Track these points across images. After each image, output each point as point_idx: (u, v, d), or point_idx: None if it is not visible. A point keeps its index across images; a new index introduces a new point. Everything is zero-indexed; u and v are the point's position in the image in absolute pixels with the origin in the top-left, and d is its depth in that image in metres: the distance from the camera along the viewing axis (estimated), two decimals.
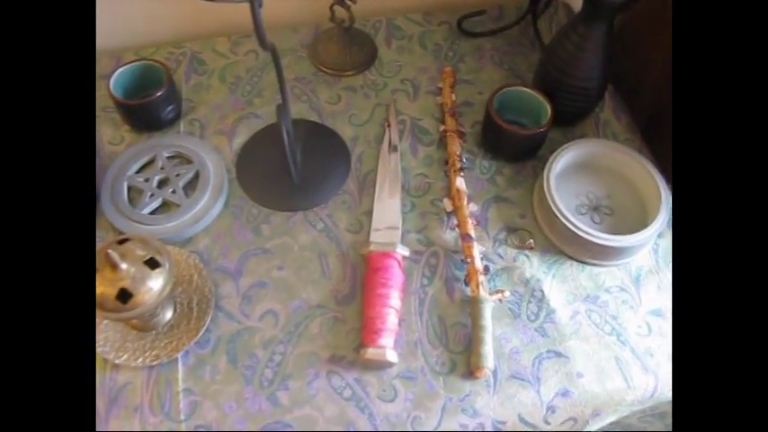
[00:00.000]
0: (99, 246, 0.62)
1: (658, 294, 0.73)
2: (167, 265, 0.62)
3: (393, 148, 0.82)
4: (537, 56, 0.94)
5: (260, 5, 0.54)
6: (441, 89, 0.88)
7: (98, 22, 0.93)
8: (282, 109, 0.69)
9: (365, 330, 0.67)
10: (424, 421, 0.64)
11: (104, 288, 0.59)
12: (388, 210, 0.77)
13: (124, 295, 0.59)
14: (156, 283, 0.60)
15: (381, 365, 0.66)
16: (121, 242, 0.62)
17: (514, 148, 0.81)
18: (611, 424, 0.71)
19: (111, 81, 0.81)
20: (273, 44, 0.62)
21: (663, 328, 0.71)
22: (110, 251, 0.58)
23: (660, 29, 0.83)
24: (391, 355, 0.65)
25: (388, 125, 0.85)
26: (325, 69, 0.92)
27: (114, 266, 0.59)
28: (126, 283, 0.59)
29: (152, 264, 0.61)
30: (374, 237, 0.75)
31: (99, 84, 0.89)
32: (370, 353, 0.65)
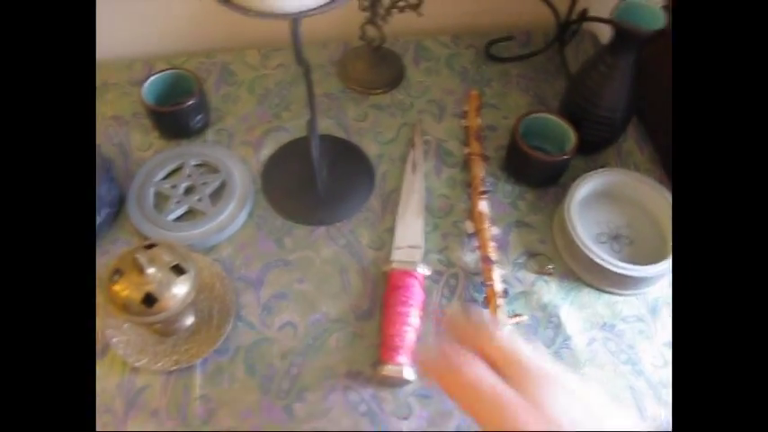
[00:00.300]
0: (126, 250, 0.63)
1: None
2: (192, 273, 0.63)
3: (416, 169, 0.83)
4: (562, 83, 0.95)
5: (299, 23, 0.55)
6: (466, 112, 0.89)
7: (131, 30, 0.96)
8: (312, 124, 0.70)
9: (383, 347, 0.67)
10: None
11: (130, 291, 0.60)
12: (411, 229, 0.77)
13: (149, 299, 0.59)
14: (180, 289, 0.61)
15: (398, 383, 0.67)
16: (149, 247, 0.62)
17: (538, 173, 0.82)
18: None
19: (144, 88, 0.82)
20: (308, 61, 0.63)
21: None
22: (138, 255, 0.59)
23: None
24: (408, 373, 0.66)
25: (413, 145, 0.85)
26: (353, 87, 0.93)
27: (141, 270, 0.59)
28: (152, 288, 0.60)
29: (178, 270, 0.62)
30: (396, 255, 0.75)
31: (130, 90, 0.91)
32: (388, 369, 0.65)
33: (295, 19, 0.53)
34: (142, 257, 0.59)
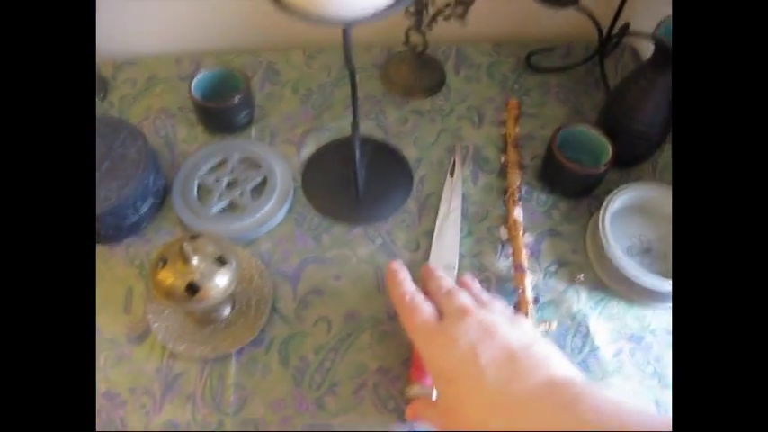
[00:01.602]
0: (172, 239, 0.66)
1: None
2: (234, 264, 0.65)
3: (454, 191, 0.84)
4: (600, 96, 0.96)
5: (351, 29, 0.57)
6: (505, 120, 0.91)
7: (180, 27, 0.99)
8: (355, 126, 0.72)
9: (413, 366, 0.68)
10: None
11: (174, 279, 0.62)
12: (447, 248, 0.79)
13: (192, 288, 0.62)
14: (222, 280, 0.63)
15: None
16: (194, 238, 0.65)
17: (573, 184, 0.83)
18: None
19: (193, 83, 0.85)
20: (354, 65, 0.65)
21: None
22: (185, 245, 0.61)
23: None
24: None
25: (452, 172, 0.86)
26: (394, 91, 0.95)
27: (186, 260, 0.62)
28: (195, 277, 0.62)
29: (221, 261, 0.64)
30: None
31: (178, 84, 0.94)
32: (417, 390, 0.66)
33: (348, 25, 0.55)
34: (188, 247, 0.61)
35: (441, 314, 0.61)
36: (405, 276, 0.65)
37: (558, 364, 0.55)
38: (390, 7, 0.53)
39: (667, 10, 0.75)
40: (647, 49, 0.77)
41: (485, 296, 0.65)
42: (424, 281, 0.67)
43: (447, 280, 0.65)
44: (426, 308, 0.61)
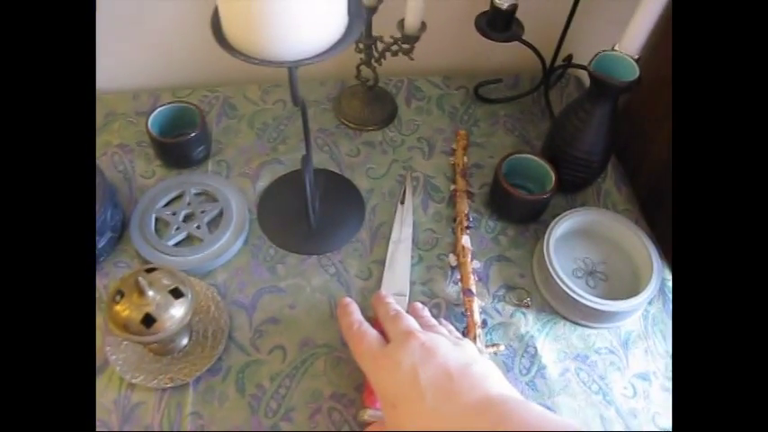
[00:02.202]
0: (128, 272, 0.67)
1: (645, 359, 0.77)
2: (190, 296, 0.67)
3: (405, 221, 0.87)
4: (546, 125, 1.00)
5: (297, 70, 0.60)
6: (454, 150, 0.94)
7: (138, 63, 1.01)
8: (306, 159, 0.75)
9: (366, 390, 0.70)
10: None
11: (130, 312, 0.64)
12: (398, 277, 0.81)
13: (148, 320, 0.64)
14: (178, 311, 0.65)
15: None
16: (150, 271, 0.67)
17: (519, 211, 0.87)
18: None
19: (150, 119, 0.87)
20: (304, 100, 0.68)
21: (647, 390, 0.74)
22: (140, 278, 0.63)
23: (662, 108, 0.89)
24: None
25: (402, 201, 0.89)
26: (347, 123, 0.98)
27: (142, 292, 0.64)
28: (151, 309, 0.64)
29: (176, 293, 0.66)
30: None
31: (136, 120, 0.96)
32: (370, 415, 0.68)
33: (291, 66, 0.57)
34: (143, 280, 0.63)
35: (388, 340, 0.63)
36: (354, 309, 0.68)
37: (495, 383, 0.56)
38: (331, 50, 0.56)
39: (605, 43, 0.80)
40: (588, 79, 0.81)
41: (432, 321, 0.68)
42: (374, 307, 0.70)
43: (395, 305, 0.68)
44: (372, 334, 0.64)
